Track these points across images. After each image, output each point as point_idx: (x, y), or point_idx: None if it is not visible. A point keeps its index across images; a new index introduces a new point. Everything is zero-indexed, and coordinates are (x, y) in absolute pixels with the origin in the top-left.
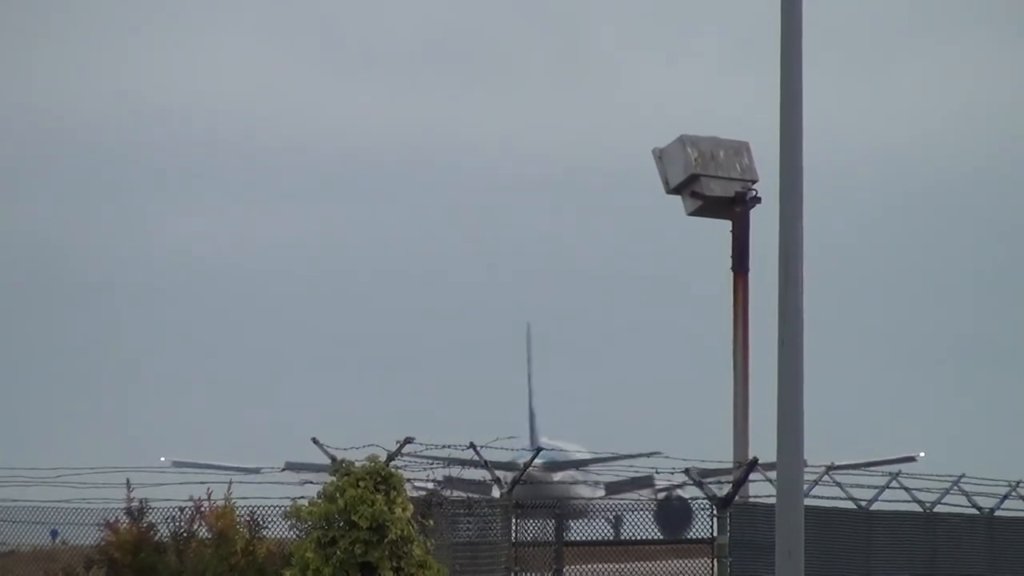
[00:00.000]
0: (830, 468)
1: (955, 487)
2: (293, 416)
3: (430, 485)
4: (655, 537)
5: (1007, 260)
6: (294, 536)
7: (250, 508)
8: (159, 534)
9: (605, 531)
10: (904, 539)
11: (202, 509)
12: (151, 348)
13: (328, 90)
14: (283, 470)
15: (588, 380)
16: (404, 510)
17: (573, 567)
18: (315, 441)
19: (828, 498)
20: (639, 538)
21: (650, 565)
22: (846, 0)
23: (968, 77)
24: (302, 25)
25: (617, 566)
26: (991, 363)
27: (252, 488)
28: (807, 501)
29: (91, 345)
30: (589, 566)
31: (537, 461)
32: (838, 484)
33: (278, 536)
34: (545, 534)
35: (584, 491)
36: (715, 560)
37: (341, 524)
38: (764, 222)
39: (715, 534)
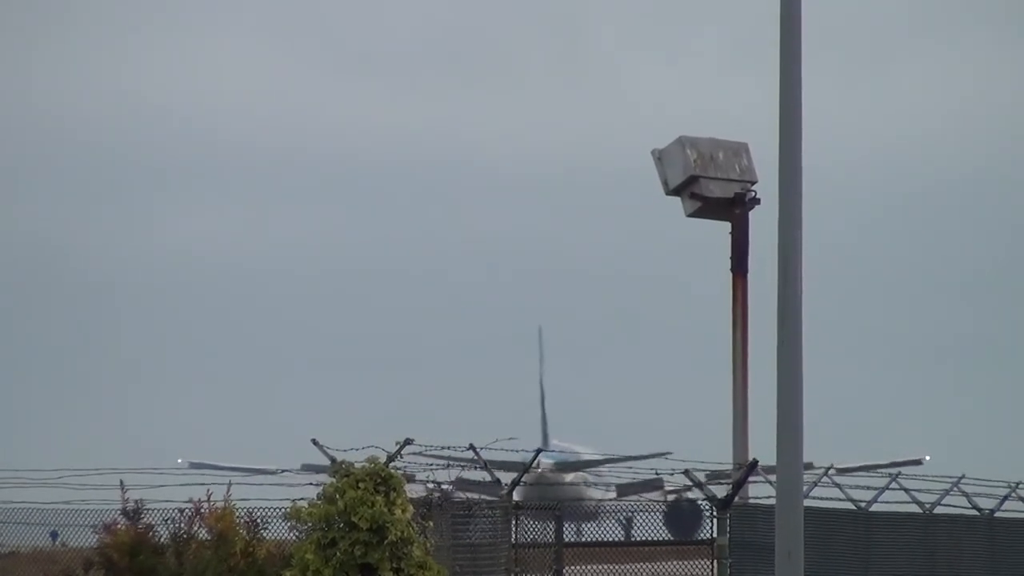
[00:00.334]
0: (829, 469)
1: (955, 488)
2: (293, 416)
3: (447, 486)
4: (665, 538)
5: (1007, 260)
6: (294, 537)
7: (249, 509)
8: (158, 536)
9: (616, 532)
10: (904, 540)
11: (201, 510)
12: (151, 348)
13: (328, 90)
14: (300, 471)
15: (587, 380)
16: (404, 511)
17: (573, 568)
18: (315, 442)
19: (828, 499)
20: (647, 539)
21: (650, 566)
22: (846, 0)
23: (968, 77)
24: (302, 25)
25: (617, 567)
26: (991, 363)
27: (252, 490)
28: (807, 502)
29: (91, 345)
30: (589, 567)
31: (547, 462)
32: (837, 485)
33: (278, 537)
34: (545, 535)
35: (595, 493)
36: (715, 561)
37: (341, 525)
38: (764, 223)
39: (715, 535)
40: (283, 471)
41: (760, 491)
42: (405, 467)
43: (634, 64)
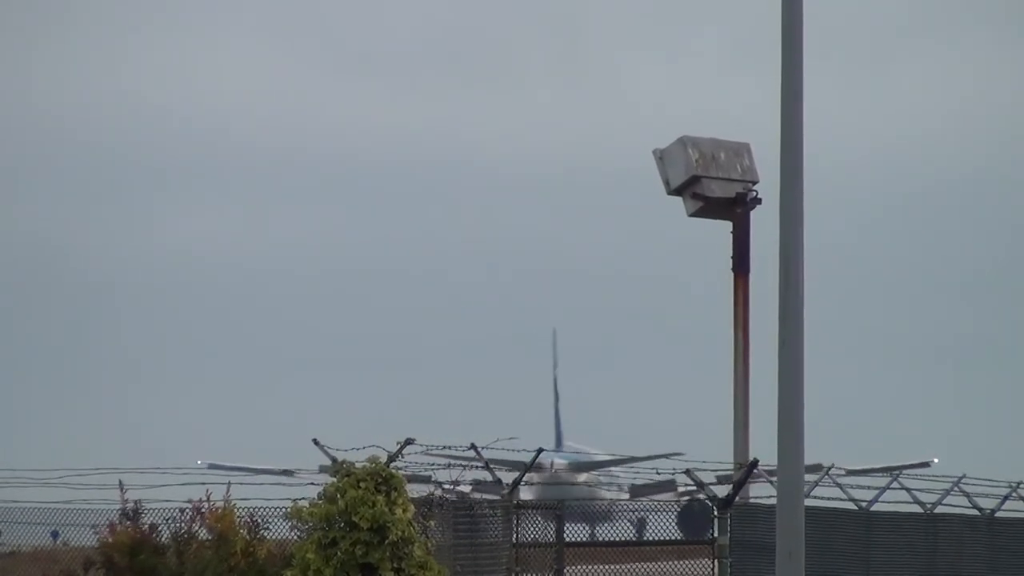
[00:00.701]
0: (830, 469)
1: (956, 488)
2: (293, 416)
3: (466, 488)
4: (677, 538)
5: (1007, 260)
6: (295, 537)
7: (250, 509)
8: (159, 535)
9: (628, 533)
10: (904, 540)
11: (202, 510)
12: (151, 348)
13: (328, 90)
14: (319, 472)
15: (588, 380)
16: (405, 511)
17: (575, 568)
18: (315, 442)
19: (829, 499)
20: (653, 539)
21: (651, 566)
22: (846, 0)
23: (968, 77)
24: (302, 25)
25: (617, 567)
26: (991, 363)
27: (252, 489)
28: (808, 502)
29: (91, 345)
30: (590, 567)
31: (561, 462)
32: (839, 485)
33: (278, 537)
34: (546, 535)
35: (608, 494)
36: (715, 561)
37: (342, 525)
38: (765, 223)
39: (715, 535)
40: (300, 472)
41: (762, 491)
42: (406, 467)
43: (634, 64)
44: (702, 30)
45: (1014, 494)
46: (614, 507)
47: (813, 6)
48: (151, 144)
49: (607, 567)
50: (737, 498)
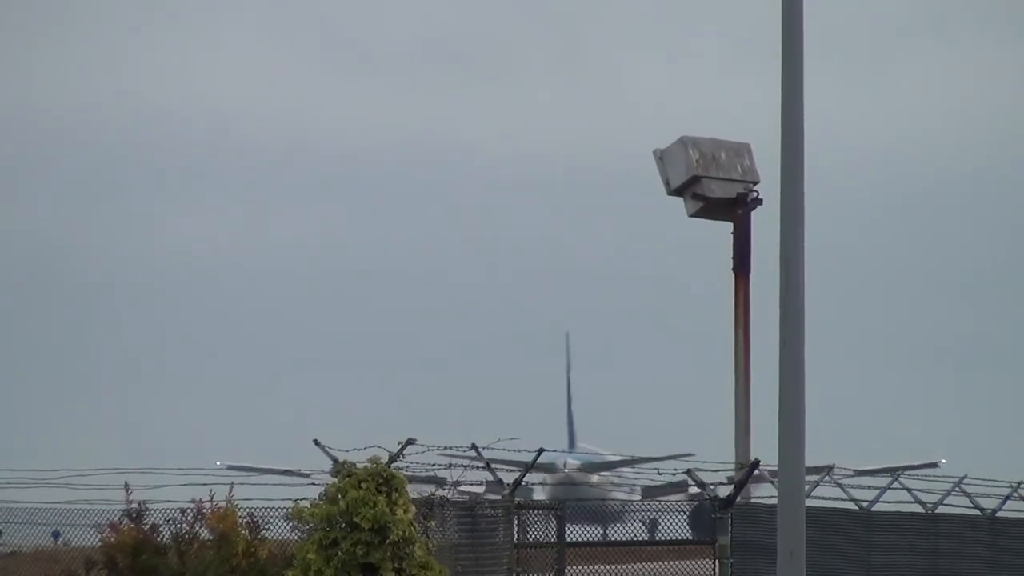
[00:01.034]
0: (831, 469)
1: (957, 488)
2: (293, 416)
3: (480, 488)
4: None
5: (1007, 260)
6: (296, 537)
7: (251, 510)
8: (161, 536)
9: (640, 533)
10: (905, 540)
11: (203, 511)
12: (151, 348)
13: (328, 90)
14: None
15: (587, 380)
16: (406, 511)
17: (577, 568)
18: (316, 442)
19: (829, 499)
20: (657, 540)
21: (652, 566)
22: (846, 0)
23: (968, 77)
24: (302, 25)
25: (618, 567)
26: (991, 363)
27: (253, 490)
28: (809, 502)
29: (91, 345)
30: (589, 567)
31: (573, 463)
32: (839, 485)
33: (280, 537)
34: (548, 535)
35: (620, 494)
36: (717, 561)
37: (343, 525)
38: (765, 223)
39: (716, 535)
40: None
41: (766, 492)
42: (407, 467)
43: (634, 64)
44: (702, 30)
45: (1015, 494)
46: (626, 507)
47: (813, 6)
48: (151, 144)
49: (607, 567)
50: (738, 498)
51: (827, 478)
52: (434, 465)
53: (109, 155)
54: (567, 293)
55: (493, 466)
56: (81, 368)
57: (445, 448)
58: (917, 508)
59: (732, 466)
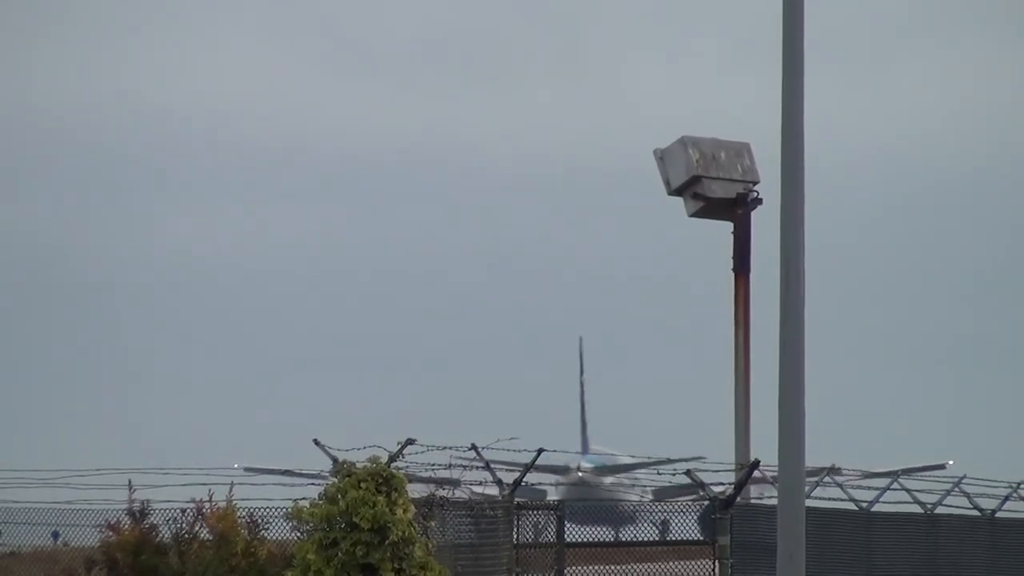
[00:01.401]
0: (831, 469)
1: (956, 488)
2: (293, 416)
3: (494, 490)
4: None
5: (1007, 260)
6: (296, 537)
7: (251, 509)
8: (161, 535)
9: (652, 534)
10: (905, 541)
11: (203, 511)
12: (151, 348)
13: (328, 90)
14: None
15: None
16: (405, 511)
17: (577, 568)
18: (316, 442)
19: (829, 499)
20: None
21: (652, 566)
22: (847, 0)
23: (968, 77)
24: (302, 25)
25: (618, 567)
26: (991, 363)
27: (254, 490)
28: (808, 502)
29: (91, 345)
30: (591, 568)
31: (587, 465)
32: (839, 485)
33: (279, 537)
34: (548, 535)
35: (632, 496)
36: (716, 561)
37: (342, 525)
38: (765, 223)
39: (716, 536)
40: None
41: (769, 493)
42: (407, 467)
43: (634, 64)
44: (702, 30)
45: (1015, 494)
46: (638, 509)
47: (813, 6)
48: (151, 144)
49: (608, 568)
50: (738, 499)
51: (827, 478)
52: (434, 465)
53: (109, 155)
54: (567, 293)
55: (496, 467)
56: (81, 368)
57: (445, 448)
58: (917, 509)
59: (726, 466)
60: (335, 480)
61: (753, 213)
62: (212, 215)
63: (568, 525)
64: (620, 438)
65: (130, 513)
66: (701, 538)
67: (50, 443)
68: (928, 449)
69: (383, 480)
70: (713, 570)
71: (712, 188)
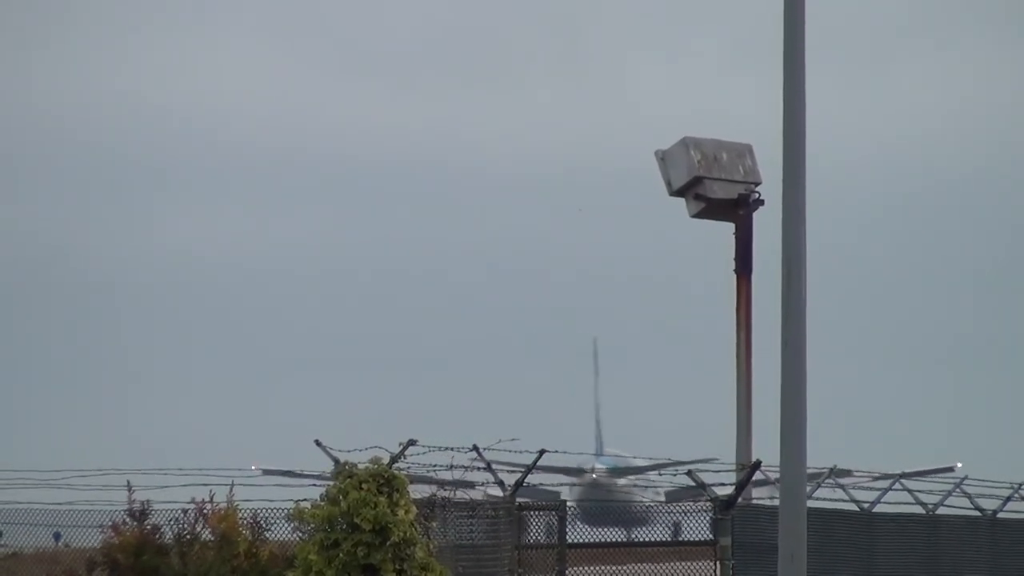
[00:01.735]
0: (832, 470)
1: (957, 489)
2: (293, 417)
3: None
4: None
5: (1007, 260)
6: (297, 538)
7: (253, 510)
8: (162, 536)
9: (664, 535)
10: (906, 541)
11: (205, 511)
12: (151, 348)
13: (328, 90)
14: None
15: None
16: (407, 512)
17: (578, 569)
18: (318, 443)
19: (831, 500)
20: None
21: (652, 567)
22: (847, 1)
23: (968, 77)
24: (302, 25)
25: (618, 568)
26: (992, 363)
27: (255, 490)
28: (809, 503)
29: (91, 345)
30: (592, 568)
31: (601, 467)
32: (841, 486)
33: (281, 538)
34: (549, 536)
35: (644, 498)
36: (718, 563)
37: (344, 526)
38: (767, 224)
39: (711, 536)
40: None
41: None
42: (408, 468)
43: (634, 64)
44: (703, 30)
45: (1016, 495)
46: (651, 511)
47: (814, 6)
48: (151, 144)
49: (609, 568)
50: (739, 499)
51: (829, 480)
52: (435, 466)
53: (109, 155)
54: (567, 294)
55: (498, 468)
56: (81, 368)
57: (446, 449)
58: (918, 509)
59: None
60: (336, 481)
61: (755, 214)
62: (212, 215)
63: (580, 526)
64: (620, 438)
65: (131, 514)
66: (713, 539)
67: (51, 444)
68: (928, 450)
69: (384, 481)
70: (715, 571)
71: (714, 189)
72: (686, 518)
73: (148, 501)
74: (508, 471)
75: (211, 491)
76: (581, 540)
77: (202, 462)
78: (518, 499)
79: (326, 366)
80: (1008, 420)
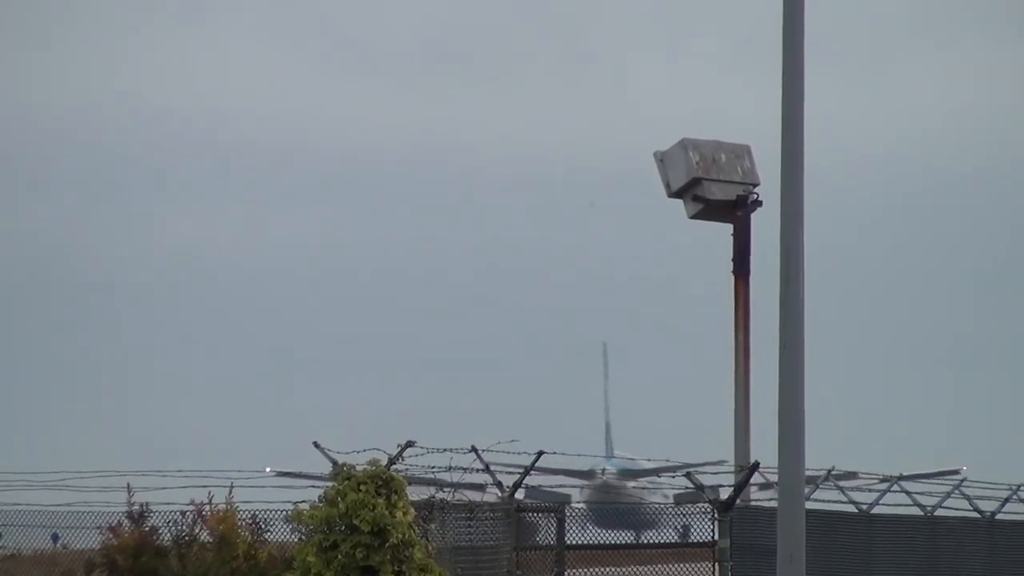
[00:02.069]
0: (831, 471)
1: (956, 491)
2: (293, 417)
3: (520, 494)
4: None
5: (1007, 260)
6: (296, 540)
7: (252, 512)
8: (161, 538)
9: (672, 537)
10: (905, 543)
11: (204, 513)
12: (151, 349)
13: (328, 90)
14: None
15: (586, 381)
16: (405, 514)
17: (578, 571)
18: (316, 445)
19: (829, 502)
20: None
21: (652, 569)
22: (847, 1)
23: (968, 77)
24: (302, 25)
25: (619, 569)
26: (992, 364)
27: (254, 492)
28: (808, 505)
29: (91, 346)
30: (590, 569)
31: (611, 470)
32: (839, 488)
33: (279, 540)
34: (547, 537)
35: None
36: (716, 564)
37: (342, 528)
38: (765, 225)
39: (715, 538)
40: None
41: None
42: (407, 469)
43: (634, 64)
44: (703, 30)
45: (1015, 496)
46: (661, 512)
47: (813, 7)
48: (151, 144)
49: (607, 570)
50: (738, 501)
51: (827, 482)
52: (434, 467)
53: (109, 155)
54: (567, 294)
55: (497, 469)
56: (81, 368)
57: (445, 450)
58: (916, 511)
59: (736, 469)
60: (335, 483)
61: (753, 215)
62: (212, 215)
63: (592, 528)
64: (619, 439)
65: (130, 516)
66: (716, 540)
67: (50, 445)
68: (928, 450)
69: (383, 483)
70: (713, 572)
71: (712, 190)
72: (685, 520)
73: (146, 503)
74: (507, 472)
75: (210, 493)
76: (590, 542)
77: (201, 463)
78: (517, 500)
79: (326, 366)
80: (1008, 422)
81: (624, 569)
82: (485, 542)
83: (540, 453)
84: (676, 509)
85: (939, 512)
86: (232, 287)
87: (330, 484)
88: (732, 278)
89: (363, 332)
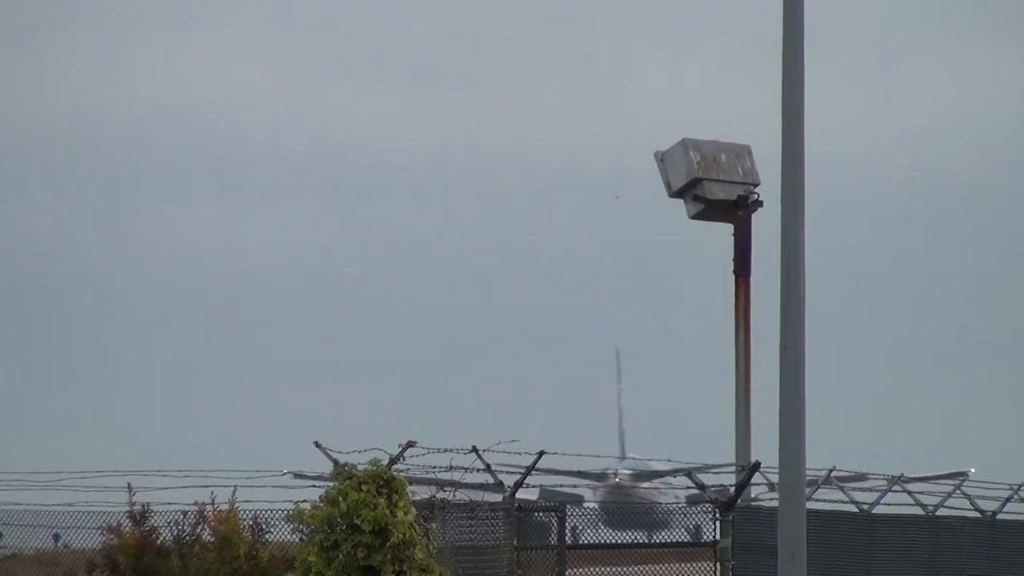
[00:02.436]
0: (831, 471)
1: (957, 490)
2: (293, 418)
3: (534, 495)
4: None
5: (1007, 260)
6: (297, 540)
7: (253, 512)
8: (162, 538)
9: (682, 537)
10: (906, 542)
11: (205, 513)
12: (151, 349)
13: (329, 90)
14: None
15: (586, 381)
16: (406, 514)
17: (578, 570)
18: (317, 444)
19: (830, 501)
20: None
21: (652, 568)
22: (848, 4)
23: (969, 79)
24: (306, 25)
25: (621, 569)
26: (992, 364)
27: (255, 492)
28: (809, 504)
29: (91, 346)
30: (591, 569)
31: (624, 471)
32: (840, 488)
33: (281, 540)
34: (583, 536)
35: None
36: (718, 564)
37: (344, 528)
38: (766, 225)
39: (718, 538)
40: None
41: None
42: (407, 469)
43: (636, 65)
44: (706, 32)
45: (1016, 496)
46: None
47: (814, 9)
48: (151, 144)
49: (609, 569)
50: (739, 501)
51: (827, 484)
52: (435, 467)
53: (109, 155)
54: (567, 294)
55: (498, 470)
56: (81, 368)
57: (446, 451)
58: (918, 510)
59: (737, 469)
60: (336, 483)
61: (754, 215)
62: (212, 215)
63: (602, 528)
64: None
65: (131, 516)
66: (718, 539)
67: (50, 444)
68: (928, 451)
69: (384, 482)
70: (715, 572)
71: (713, 190)
72: (686, 519)
73: (147, 503)
74: (508, 473)
75: (212, 493)
76: (591, 542)
77: (202, 463)
78: (518, 500)
79: (326, 366)
80: (1008, 422)
81: (627, 568)
82: (486, 542)
83: (541, 453)
84: (679, 509)
85: (940, 512)
86: (233, 287)
87: (315, 483)
88: (733, 278)
89: (365, 332)
